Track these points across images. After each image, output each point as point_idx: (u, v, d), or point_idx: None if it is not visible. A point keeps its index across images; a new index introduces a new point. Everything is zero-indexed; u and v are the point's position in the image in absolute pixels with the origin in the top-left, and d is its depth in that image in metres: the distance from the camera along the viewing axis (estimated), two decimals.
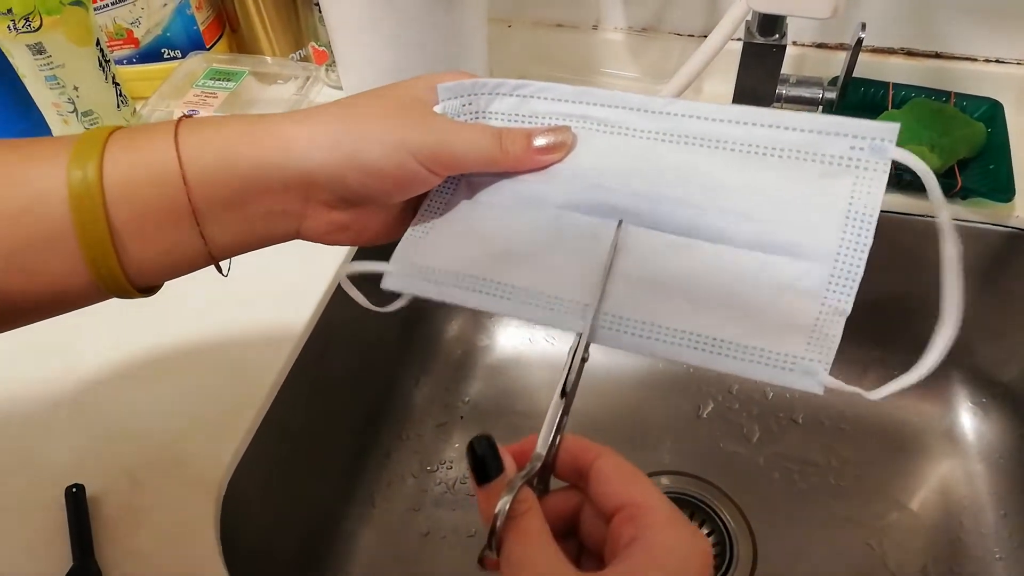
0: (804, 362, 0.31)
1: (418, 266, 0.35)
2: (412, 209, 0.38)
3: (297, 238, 0.36)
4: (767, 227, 0.33)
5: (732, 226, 0.33)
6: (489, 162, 0.35)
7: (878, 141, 0.32)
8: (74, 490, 0.47)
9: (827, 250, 0.32)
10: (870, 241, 0.32)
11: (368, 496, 0.72)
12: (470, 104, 0.37)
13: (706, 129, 0.34)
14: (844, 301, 0.31)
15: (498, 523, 0.27)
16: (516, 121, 0.37)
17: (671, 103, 0.35)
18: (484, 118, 0.37)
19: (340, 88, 0.76)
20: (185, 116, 0.33)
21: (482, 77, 0.37)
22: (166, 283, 0.35)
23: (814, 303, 0.31)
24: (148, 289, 0.34)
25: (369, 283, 0.36)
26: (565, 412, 0.31)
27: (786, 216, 0.32)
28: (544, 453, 0.30)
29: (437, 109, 0.36)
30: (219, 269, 0.35)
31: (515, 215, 0.36)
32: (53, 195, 0.30)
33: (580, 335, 0.32)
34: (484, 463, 0.29)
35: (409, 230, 0.37)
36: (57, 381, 0.55)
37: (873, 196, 0.32)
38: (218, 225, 0.33)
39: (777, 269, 0.32)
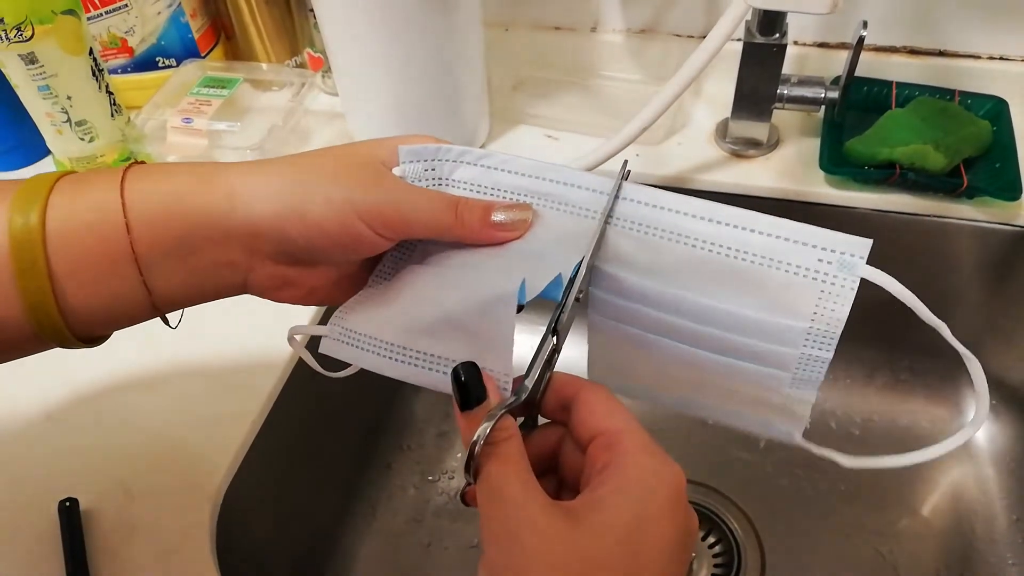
0: (778, 426, 0.34)
1: (350, 331, 0.34)
2: (368, 272, 0.37)
3: (244, 292, 0.35)
4: (728, 335, 0.33)
5: (695, 328, 0.33)
6: (442, 230, 0.34)
7: (847, 256, 0.31)
8: (67, 504, 0.47)
9: (788, 362, 0.32)
10: (830, 356, 0.31)
11: (369, 507, 0.71)
12: (433, 170, 0.36)
13: (670, 221, 0.33)
14: (809, 394, 0.33)
15: (476, 449, 0.27)
16: (478, 192, 0.36)
17: (638, 190, 0.34)
18: (447, 186, 0.36)
19: (335, 95, 0.75)
20: (136, 163, 0.33)
21: (448, 141, 0.36)
22: None
23: (779, 395, 0.33)
24: (93, 339, 0.34)
25: None
26: (556, 351, 0.31)
27: (747, 326, 0.32)
28: (530, 386, 0.30)
29: (396, 171, 0.35)
30: (166, 321, 0.34)
31: (456, 281, 0.34)
32: None
33: (580, 265, 0.32)
34: (467, 389, 0.29)
35: (357, 294, 0.36)
36: (49, 393, 0.54)
37: (836, 316, 0.31)
38: (162, 274, 0.32)
39: (741, 369, 0.33)
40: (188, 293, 0.33)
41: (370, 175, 0.33)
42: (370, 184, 0.33)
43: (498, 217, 0.34)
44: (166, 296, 0.33)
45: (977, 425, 0.33)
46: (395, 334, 0.33)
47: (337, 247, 0.33)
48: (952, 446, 0.33)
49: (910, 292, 0.32)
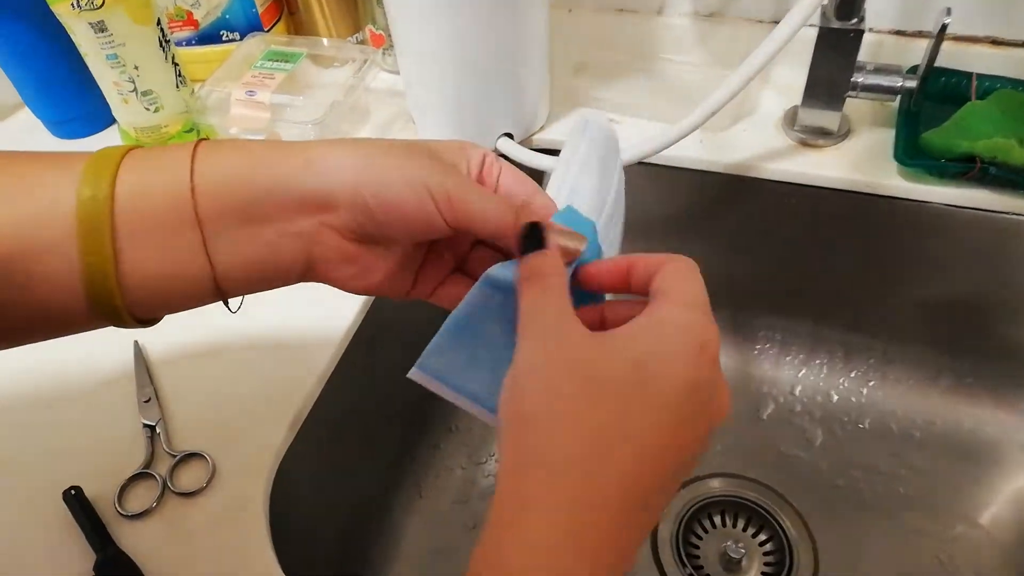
0: None
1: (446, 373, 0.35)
2: (412, 268, 0.37)
3: (305, 273, 0.34)
4: None
5: None
6: (499, 230, 0.33)
7: None
8: (73, 492, 0.47)
9: None
10: None
11: (415, 486, 0.71)
12: None
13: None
14: None
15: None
16: None
17: None
18: None
19: (396, 72, 0.75)
20: (204, 139, 0.33)
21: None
22: None
23: None
24: (147, 320, 0.34)
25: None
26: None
27: None
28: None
29: None
30: (226, 304, 0.35)
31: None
32: (62, 204, 0.30)
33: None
34: (528, 239, 0.32)
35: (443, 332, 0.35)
36: (97, 368, 0.55)
37: None
38: (225, 245, 0.32)
39: None
40: (250, 271, 0.33)
41: (442, 164, 0.34)
42: (442, 171, 0.33)
43: (555, 239, 0.33)
44: (227, 272, 0.33)
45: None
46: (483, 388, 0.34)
47: (407, 224, 0.33)
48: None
49: None
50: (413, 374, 0.34)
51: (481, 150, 0.37)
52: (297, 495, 0.52)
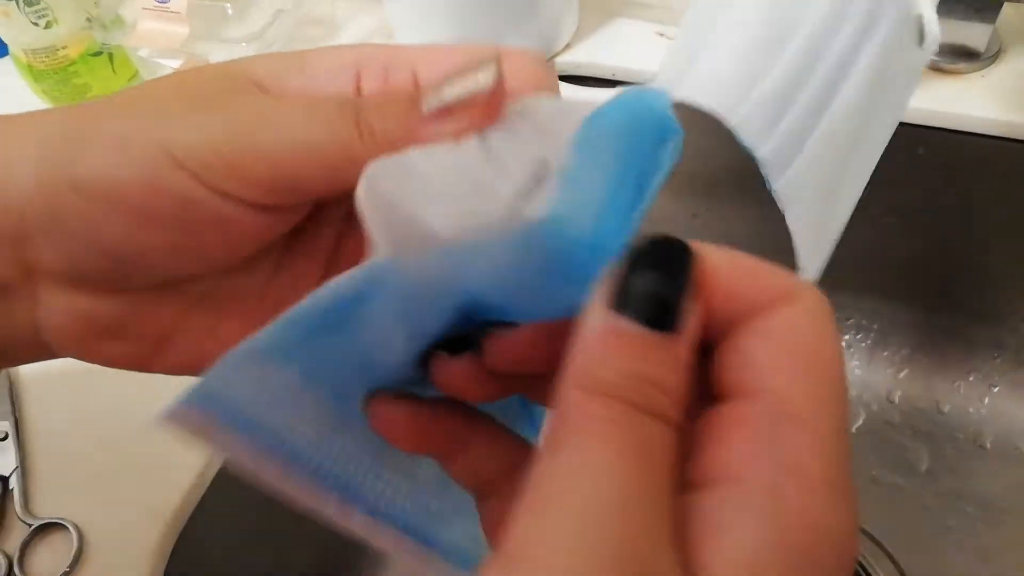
0: None
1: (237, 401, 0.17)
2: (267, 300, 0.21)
3: (49, 350, 0.19)
4: None
5: None
6: (341, 159, 0.17)
7: None
8: None
9: None
10: None
11: None
12: None
13: None
14: None
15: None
16: None
17: None
18: None
19: None
20: None
21: None
22: None
23: None
24: None
25: None
26: None
27: None
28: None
29: None
30: None
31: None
32: None
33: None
34: (659, 297, 0.14)
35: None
36: None
37: None
38: None
39: None
40: None
41: (213, 93, 0.18)
42: (205, 108, 0.17)
43: (435, 99, 0.17)
44: None
45: None
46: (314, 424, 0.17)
47: (153, 233, 0.18)
48: None
49: None
50: (176, 411, 0.15)
51: (378, 53, 0.20)
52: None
